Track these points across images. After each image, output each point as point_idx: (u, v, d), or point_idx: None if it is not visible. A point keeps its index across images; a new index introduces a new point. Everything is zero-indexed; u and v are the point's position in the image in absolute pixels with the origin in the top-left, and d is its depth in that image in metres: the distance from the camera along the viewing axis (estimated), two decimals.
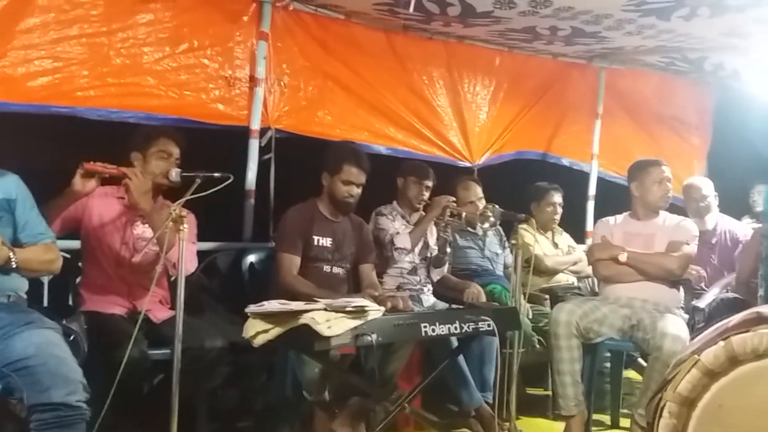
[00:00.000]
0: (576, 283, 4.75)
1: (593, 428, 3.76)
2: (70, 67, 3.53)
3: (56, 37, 3.48)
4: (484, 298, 3.99)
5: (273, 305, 2.76)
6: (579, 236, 5.30)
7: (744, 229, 4.60)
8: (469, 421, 3.70)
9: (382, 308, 2.83)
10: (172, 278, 3.18)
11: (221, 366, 3.10)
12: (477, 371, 3.77)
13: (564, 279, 4.71)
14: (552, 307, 3.85)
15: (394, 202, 4.17)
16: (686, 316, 3.72)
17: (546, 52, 5.20)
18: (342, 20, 4.45)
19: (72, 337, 2.64)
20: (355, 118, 4.59)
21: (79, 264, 3.25)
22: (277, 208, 4.08)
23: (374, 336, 2.68)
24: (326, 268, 3.57)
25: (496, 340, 3.15)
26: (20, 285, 2.63)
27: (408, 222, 4.11)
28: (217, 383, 3.23)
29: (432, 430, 3.72)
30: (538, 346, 3.97)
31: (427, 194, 4.14)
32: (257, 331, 2.74)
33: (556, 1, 3.91)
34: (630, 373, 4.65)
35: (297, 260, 3.46)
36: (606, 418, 4.14)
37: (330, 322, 2.61)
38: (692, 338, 3.16)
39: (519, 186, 5.01)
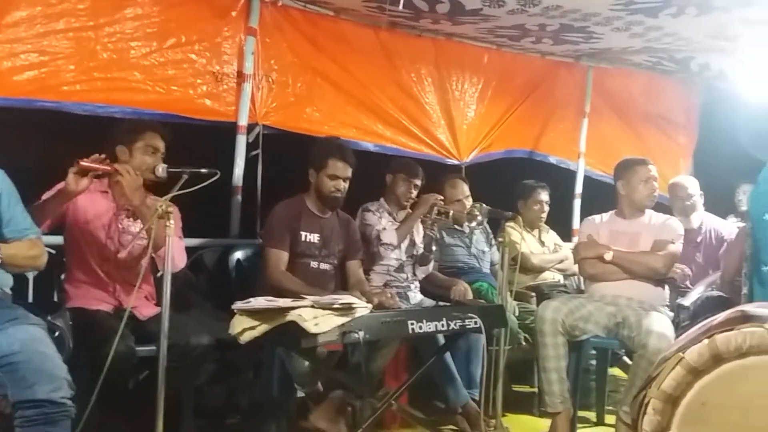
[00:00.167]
0: (562, 281, 4.77)
1: (579, 425, 3.78)
2: (57, 62, 3.51)
3: (42, 31, 3.46)
4: (471, 296, 4.00)
5: (260, 302, 2.75)
6: (565, 234, 5.32)
7: (729, 227, 4.64)
8: (456, 417, 3.71)
9: (370, 305, 2.83)
10: (159, 274, 3.17)
11: (207, 363, 3.10)
12: (463, 368, 3.79)
13: (550, 277, 4.73)
14: (538, 305, 3.87)
15: (381, 199, 4.17)
16: (671, 314, 3.74)
17: (534, 50, 5.21)
18: (331, 16, 4.45)
19: (57, 334, 2.62)
20: (344, 114, 4.58)
21: (64, 260, 3.23)
22: (265, 204, 4.06)
23: (361, 333, 2.68)
24: (313, 264, 3.57)
25: (483, 338, 3.17)
26: (5, 281, 2.61)
27: (395, 219, 4.11)
28: (202, 380, 3.23)
29: (418, 426, 3.73)
30: (524, 343, 3.98)
31: (415, 192, 4.14)
32: (244, 327, 2.73)
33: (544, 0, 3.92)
34: (615, 371, 4.68)
35: (285, 256, 3.45)
36: (591, 415, 4.17)
37: (317, 319, 2.61)
38: (677, 336, 3.18)
39: (506, 184, 5.02)
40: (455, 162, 5.09)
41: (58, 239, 3.15)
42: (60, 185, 2.94)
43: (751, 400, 2.12)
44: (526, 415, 4.13)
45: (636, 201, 3.83)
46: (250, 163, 4.18)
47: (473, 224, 3.87)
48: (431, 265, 4.20)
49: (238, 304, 2.77)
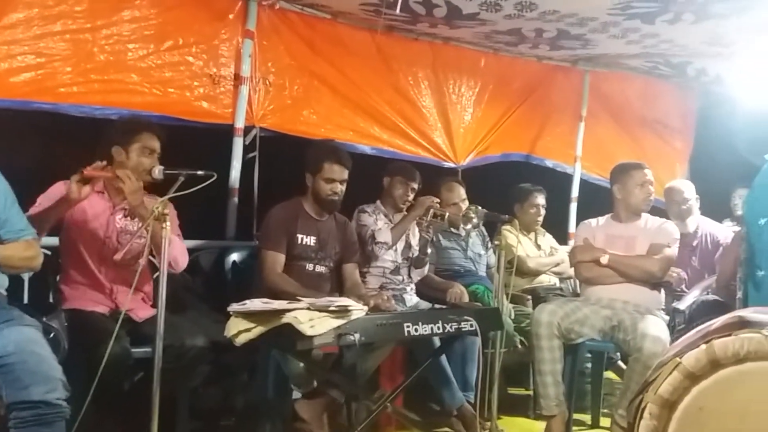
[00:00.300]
0: (558, 284, 4.78)
1: (574, 428, 3.78)
2: (54, 63, 3.51)
3: (40, 32, 3.45)
4: (466, 299, 4.01)
5: (255, 304, 2.75)
6: (561, 238, 5.32)
7: (725, 232, 4.64)
8: (451, 420, 3.71)
9: (365, 308, 2.83)
10: (156, 274, 3.16)
11: (202, 364, 3.09)
12: (459, 371, 3.79)
13: (546, 280, 4.74)
14: (534, 308, 3.87)
15: (378, 201, 4.17)
16: (667, 318, 3.75)
17: (531, 55, 5.22)
18: (328, 20, 4.45)
19: (52, 335, 2.62)
20: (340, 117, 4.58)
21: (59, 261, 3.23)
22: (261, 206, 4.06)
23: (357, 335, 2.68)
24: (309, 266, 3.57)
25: (479, 340, 3.16)
26: (0, 282, 2.61)
27: (391, 221, 4.11)
28: (198, 382, 3.22)
29: (414, 429, 3.72)
30: (519, 346, 3.99)
31: (412, 195, 4.14)
32: (239, 329, 2.73)
33: (541, 4, 3.93)
34: (610, 374, 4.68)
35: (281, 258, 3.45)
36: (586, 418, 4.17)
37: (313, 322, 2.61)
38: (673, 340, 3.19)
39: (503, 187, 5.03)
40: (452, 165, 5.09)
41: (54, 240, 3.14)
42: (55, 189, 2.94)
43: (748, 406, 2.12)
44: (522, 417, 4.14)
45: (632, 205, 3.84)
46: (247, 166, 4.18)
47: (469, 227, 3.87)
48: (427, 268, 4.20)
49: (234, 306, 2.77)
